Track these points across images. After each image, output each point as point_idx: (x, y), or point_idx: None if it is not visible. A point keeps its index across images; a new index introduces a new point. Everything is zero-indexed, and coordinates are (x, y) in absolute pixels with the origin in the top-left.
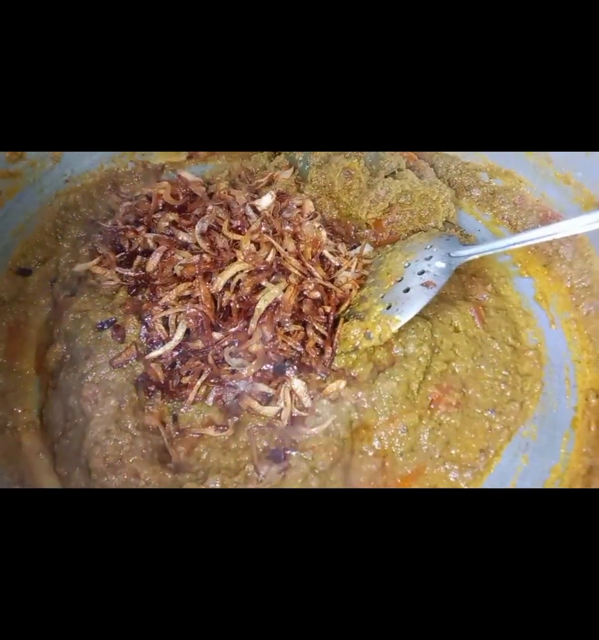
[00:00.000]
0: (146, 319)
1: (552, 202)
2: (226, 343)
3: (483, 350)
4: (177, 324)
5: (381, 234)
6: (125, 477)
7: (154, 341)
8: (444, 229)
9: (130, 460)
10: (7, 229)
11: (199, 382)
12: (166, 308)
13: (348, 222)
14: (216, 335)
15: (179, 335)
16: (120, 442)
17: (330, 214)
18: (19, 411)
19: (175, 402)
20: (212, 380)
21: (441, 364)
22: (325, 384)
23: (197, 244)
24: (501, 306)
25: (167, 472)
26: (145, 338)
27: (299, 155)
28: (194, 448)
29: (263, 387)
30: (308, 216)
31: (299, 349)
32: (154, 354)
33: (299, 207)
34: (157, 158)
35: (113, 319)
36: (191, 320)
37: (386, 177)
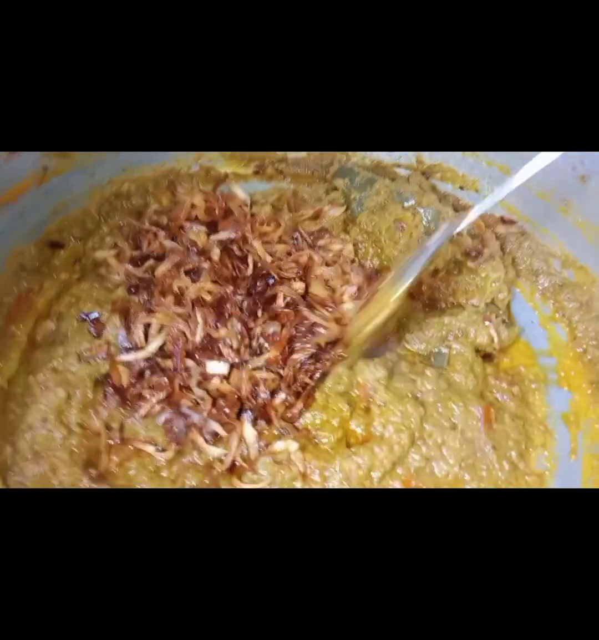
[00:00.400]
0: (129, 322)
1: None
2: (196, 374)
3: (476, 458)
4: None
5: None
6: (44, 469)
7: (129, 346)
8: (486, 311)
9: (55, 454)
10: (47, 204)
11: (154, 400)
12: (150, 312)
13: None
14: (189, 362)
15: (152, 346)
16: (53, 434)
17: (371, 263)
18: None
19: (126, 411)
20: (169, 402)
21: (420, 459)
22: (278, 440)
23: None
24: (521, 415)
25: (85, 477)
26: (122, 340)
27: (355, 194)
28: (127, 461)
29: (216, 427)
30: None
31: (265, 395)
32: (124, 357)
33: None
34: (223, 166)
35: (96, 314)
36: (170, 337)
37: None
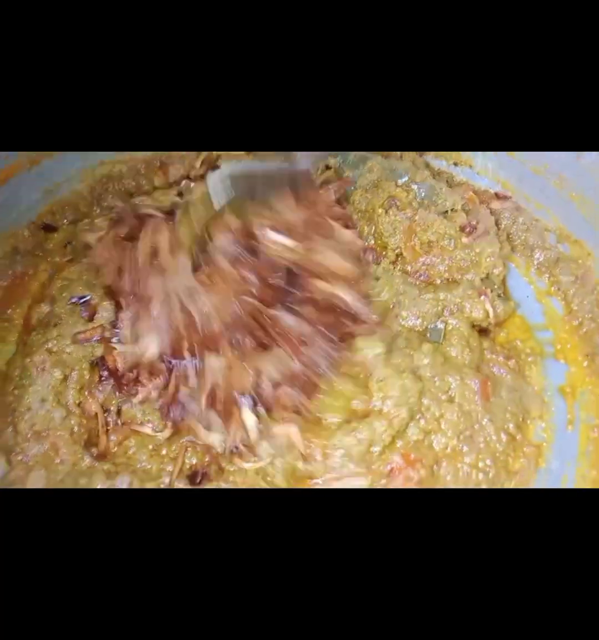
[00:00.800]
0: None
1: None
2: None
3: (474, 431)
4: None
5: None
6: (45, 449)
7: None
8: (482, 285)
9: (56, 434)
10: (39, 185)
11: (151, 386)
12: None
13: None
14: (187, 356)
15: (150, 351)
16: (52, 414)
17: (367, 241)
18: None
19: (122, 396)
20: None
21: (418, 432)
22: (276, 423)
23: None
24: (518, 387)
25: (86, 456)
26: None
27: (348, 173)
28: (126, 440)
29: (214, 417)
30: None
31: (269, 390)
32: (119, 347)
33: None
34: None
35: (88, 297)
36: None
37: (438, 214)
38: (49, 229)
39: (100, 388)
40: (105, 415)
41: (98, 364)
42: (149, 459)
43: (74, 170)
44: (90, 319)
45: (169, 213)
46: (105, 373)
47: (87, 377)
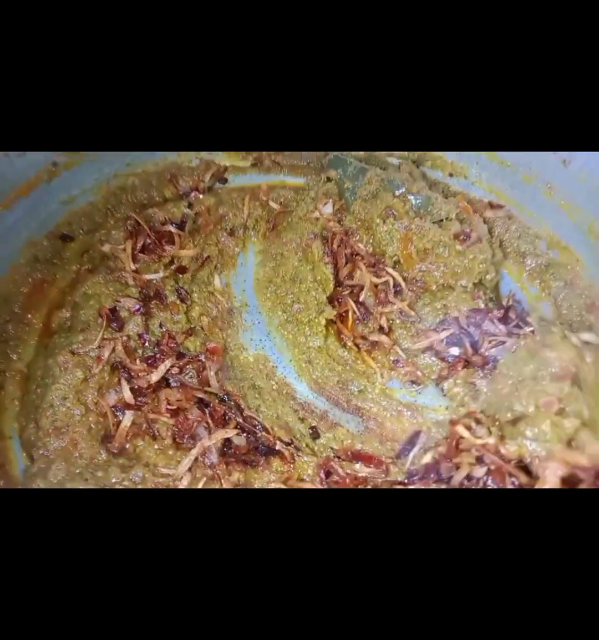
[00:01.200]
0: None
1: None
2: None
3: None
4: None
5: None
6: (65, 444)
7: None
8: (474, 290)
9: (75, 430)
10: (57, 196)
11: (163, 366)
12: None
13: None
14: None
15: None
16: (73, 411)
17: (365, 248)
18: (14, 358)
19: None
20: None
21: None
22: None
23: None
24: None
25: (103, 450)
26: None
27: (348, 184)
28: (134, 439)
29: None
30: None
31: None
32: (139, 365)
33: None
34: (223, 159)
35: (117, 309)
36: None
37: (433, 223)
38: (67, 238)
39: (117, 389)
40: (115, 414)
41: (119, 367)
42: (157, 457)
43: (90, 183)
44: (120, 329)
45: (180, 224)
46: (126, 375)
47: (106, 378)
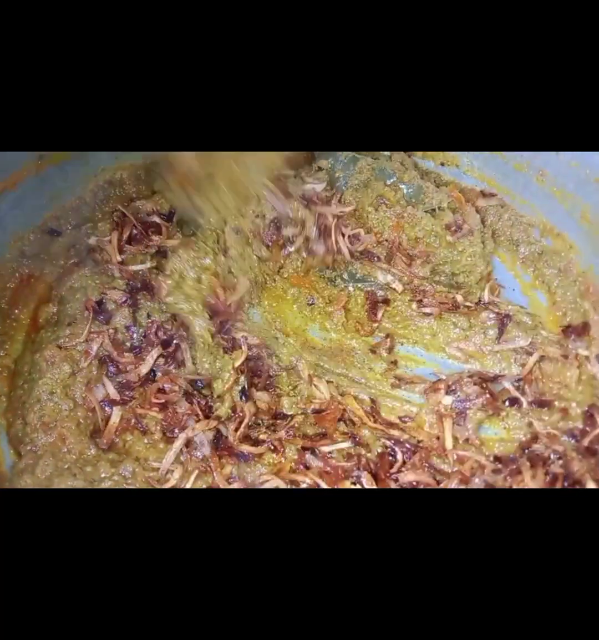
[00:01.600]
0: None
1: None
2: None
3: None
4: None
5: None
6: (53, 439)
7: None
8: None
9: (64, 425)
10: (44, 191)
11: (151, 357)
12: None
13: None
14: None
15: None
16: (60, 406)
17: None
18: (1, 354)
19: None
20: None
21: None
22: None
23: None
24: None
25: (92, 446)
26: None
27: (339, 173)
28: (123, 434)
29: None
30: None
31: None
32: (127, 357)
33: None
34: None
35: (104, 301)
36: None
37: (425, 212)
38: (54, 233)
39: (104, 383)
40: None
41: (106, 360)
42: (146, 451)
43: (77, 177)
44: (107, 322)
45: (168, 215)
46: (113, 369)
47: (94, 372)
